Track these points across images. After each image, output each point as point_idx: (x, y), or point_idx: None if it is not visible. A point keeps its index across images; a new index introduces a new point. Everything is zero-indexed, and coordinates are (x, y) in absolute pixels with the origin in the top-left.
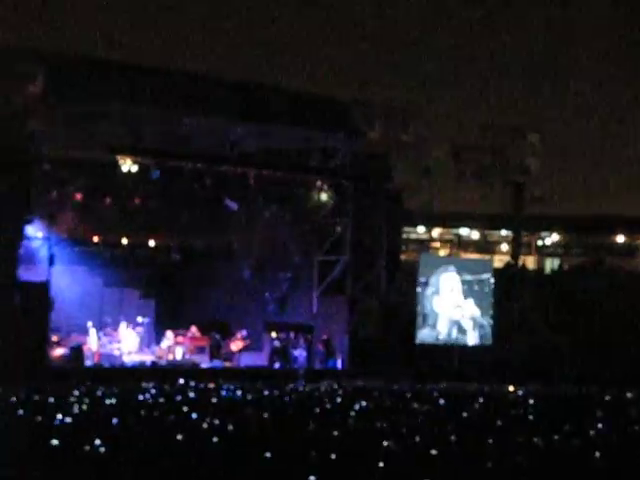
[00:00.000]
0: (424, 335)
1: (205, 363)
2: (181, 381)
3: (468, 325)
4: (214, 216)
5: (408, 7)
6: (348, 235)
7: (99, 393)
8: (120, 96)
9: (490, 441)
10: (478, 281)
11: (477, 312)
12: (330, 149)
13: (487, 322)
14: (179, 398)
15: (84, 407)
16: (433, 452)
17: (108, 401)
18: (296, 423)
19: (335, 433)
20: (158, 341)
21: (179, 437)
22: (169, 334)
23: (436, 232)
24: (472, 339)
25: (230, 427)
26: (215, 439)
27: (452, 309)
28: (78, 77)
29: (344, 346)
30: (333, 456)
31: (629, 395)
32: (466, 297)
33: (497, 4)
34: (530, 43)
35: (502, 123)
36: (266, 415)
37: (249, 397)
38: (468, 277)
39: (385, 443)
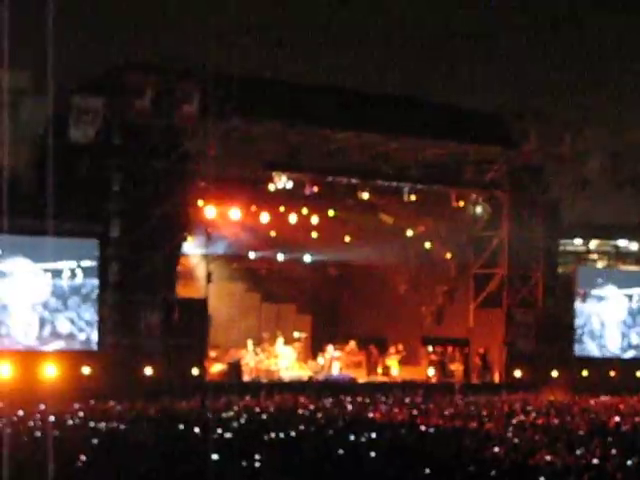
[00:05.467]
0: (587, 346)
1: (362, 377)
2: (339, 396)
3: (629, 337)
4: (369, 230)
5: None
6: (504, 248)
7: (257, 408)
8: (276, 114)
9: None
10: (638, 294)
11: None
12: (485, 162)
13: None
14: (336, 412)
15: (242, 422)
16: (594, 461)
17: (266, 416)
18: (454, 438)
19: (496, 449)
20: (315, 356)
21: (339, 452)
22: (329, 348)
23: (593, 244)
24: (632, 351)
25: (388, 442)
26: (373, 453)
27: (617, 320)
28: (234, 96)
29: (501, 359)
30: (493, 472)
31: None
32: (628, 309)
33: None
34: None
35: None
36: (423, 429)
37: (406, 411)
38: (628, 289)
39: (547, 457)
